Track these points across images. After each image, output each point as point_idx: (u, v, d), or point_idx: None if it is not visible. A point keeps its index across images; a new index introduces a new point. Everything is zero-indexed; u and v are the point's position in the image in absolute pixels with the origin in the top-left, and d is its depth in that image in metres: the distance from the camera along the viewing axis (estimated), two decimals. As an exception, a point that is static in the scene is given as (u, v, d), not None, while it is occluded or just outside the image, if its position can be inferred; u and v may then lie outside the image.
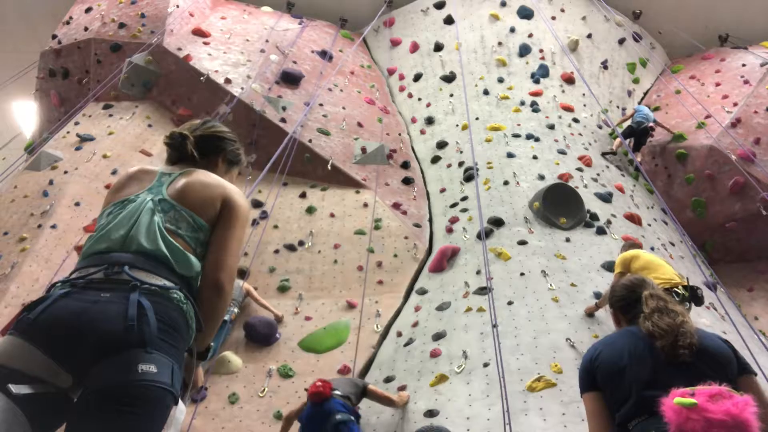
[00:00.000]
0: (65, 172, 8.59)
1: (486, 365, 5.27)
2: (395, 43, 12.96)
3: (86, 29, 11.24)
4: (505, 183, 8.36)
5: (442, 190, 9.19)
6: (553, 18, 11.99)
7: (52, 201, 8.01)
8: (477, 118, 10.14)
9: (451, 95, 11.05)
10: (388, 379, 5.88)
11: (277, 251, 8.13)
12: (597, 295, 5.95)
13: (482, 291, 6.35)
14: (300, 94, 10.52)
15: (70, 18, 11.93)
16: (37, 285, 6.74)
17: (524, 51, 11.47)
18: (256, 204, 8.78)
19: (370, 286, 7.48)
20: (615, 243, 7.15)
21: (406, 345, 6.29)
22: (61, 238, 7.52)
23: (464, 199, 8.57)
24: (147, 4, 11.26)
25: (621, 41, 12.56)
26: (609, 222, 7.60)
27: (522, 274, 6.46)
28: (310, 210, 8.81)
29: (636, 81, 12.46)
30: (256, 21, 12.38)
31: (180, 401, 1.72)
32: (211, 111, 9.53)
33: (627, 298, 2.44)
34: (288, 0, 13.67)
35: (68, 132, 9.66)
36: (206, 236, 1.94)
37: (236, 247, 1.95)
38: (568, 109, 10.54)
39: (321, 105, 10.49)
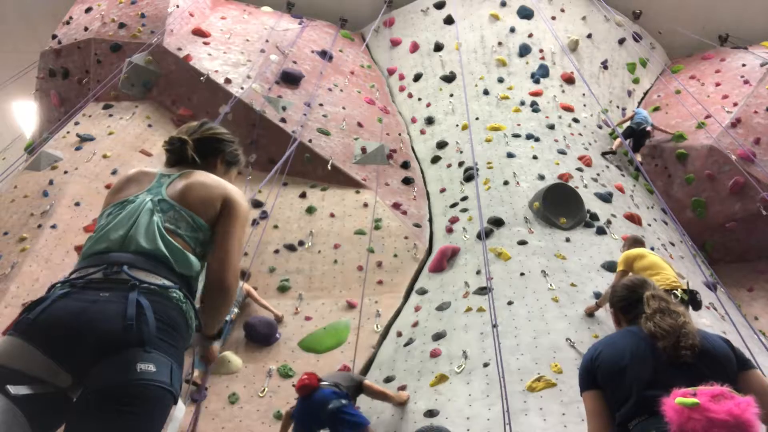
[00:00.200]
0: (65, 172, 8.59)
1: (486, 365, 5.27)
2: (395, 43, 12.96)
3: (86, 29, 11.24)
4: (505, 183, 8.36)
5: (442, 190, 9.19)
6: (553, 18, 12.00)
7: (52, 201, 8.01)
8: (477, 118, 10.14)
9: (451, 95, 11.05)
10: (388, 379, 5.88)
11: (277, 251, 8.13)
12: (597, 295, 5.95)
13: (482, 291, 6.35)
14: (300, 94, 10.52)
15: (70, 18, 11.93)
16: (37, 285, 6.74)
17: (524, 51, 11.47)
18: (256, 204, 8.77)
19: (370, 286, 7.47)
20: (615, 243, 7.15)
21: (406, 345, 6.29)
22: (61, 238, 7.52)
23: (464, 199, 8.57)
24: (147, 4, 11.26)
25: (621, 41, 12.56)
26: (609, 222, 7.60)
27: (522, 274, 6.46)
28: (310, 210, 8.81)
29: (636, 81, 12.46)
30: (256, 21, 12.38)
31: (179, 400, 1.72)
32: (211, 111, 9.52)
33: (628, 299, 2.44)
34: (288, 0, 13.67)
35: (68, 132, 9.66)
36: (206, 236, 1.95)
37: (238, 247, 1.98)
38: (568, 109, 10.54)
39: (321, 105, 10.49)
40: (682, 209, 9.76)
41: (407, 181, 9.52)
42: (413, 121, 11.24)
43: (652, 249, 7.08)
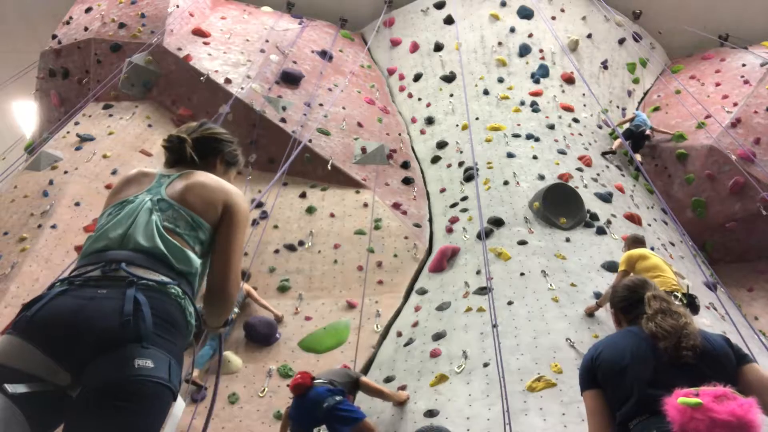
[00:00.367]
0: (65, 172, 8.59)
1: (486, 365, 5.27)
2: (395, 43, 12.96)
3: (86, 29, 11.24)
4: (505, 183, 8.36)
5: (442, 190, 9.19)
6: (553, 18, 11.99)
7: (52, 201, 8.01)
8: (477, 118, 10.14)
9: (451, 95, 11.05)
10: (388, 379, 5.88)
11: (277, 251, 8.13)
12: (597, 295, 5.95)
13: (482, 291, 6.35)
14: (300, 94, 10.52)
15: (70, 18, 11.93)
16: (37, 285, 6.74)
17: (524, 51, 11.47)
18: (256, 204, 8.77)
19: (370, 286, 7.47)
20: (615, 243, 7.15)
21: (406, 345, 6.29)
22: (61, 238, 7.52)
23: (464, 199, 8.57)
24: (147, 4, 11.26)
25: (621, 41, 12.56)
26: (609, 222, 7.60)
27: (522, 274, 6.46)
28: (310, 210, 8.81)
29: (636, 81, 12.46)
30: (256, 21, 12.38)
31: (179, 396, 1.72)
32: (211, 111, 9.53)
33: (629, 299, 2.43)
34: (288, 0, 13.67)
35: (68, 132, 9.66)
36: (206, 235, 1.95)
37: (240, 253, 2.02)
38: (568, 109, 10.54)
39: (321, 105, 10.50)
40: (682, 209, 9.76)
41: (407, 181, 9.52)
42: (413, 121, 11.24)
43: (652, 249, 7.08)
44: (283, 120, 9.73)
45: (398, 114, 11.60)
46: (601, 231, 7.34)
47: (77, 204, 8.05)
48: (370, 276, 7.60)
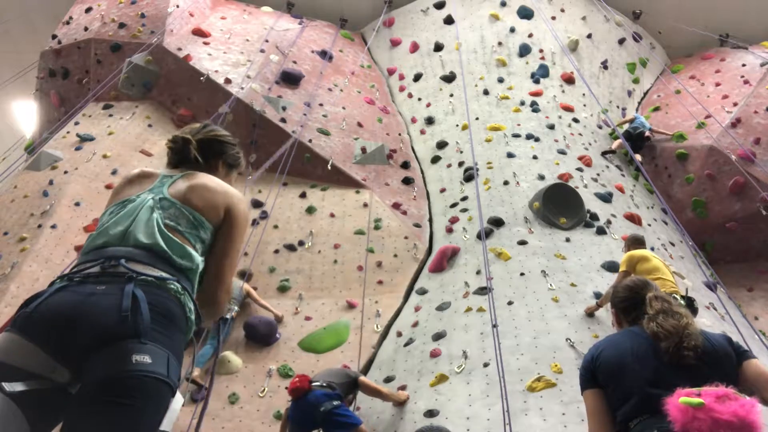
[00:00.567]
0: (65, 172, 8.59)
1: (486, 365, 5.27)
2: (395, 43, 12.96)
3: (86, 29, 11.24)
4: (505, 183, 8.36)
5: (442, 190, 9.19)
6: (553, 18, 11.99)
7: (52, 201, 8.01)
8: (477, 118, 10.14)
9: (451, 95, 11.05)
10: (388, 379, 5.88)
11: (277, 251, 8.13)
12: (597, 295, 5.95)
13: (482, 291, 6.35)
14: (300, 94, 10.51)
15: (70, 18, 11.93)
16: (37, 285, 6.74)
17: (524, 51, 11.47)
18: (256, 204, 8.78)
19: (370, 286, 7.47)
20: (615, 243, 7.15)
21: (406, 345, 6.29)
22: (61, 238, 7.52)
23: (464, 199, 8.57)
24: (147, 4, 11.26)
25: (621, 41, 12.56)
26: (609, 222, 7.60)
27: (522, 274, 6.47)
28: (310, 210, 8.81)
29: (636, 81, 12.46)
30: (256, 21, 12.38)
31: (177, 392, 1.72)
32: (211, 111, 9.52)
33: (630, 299, 2.43)
34: (288, 0, 13.67)
35: (68, 132, 9.66)
36: (207, 235, 1.96)
37: (236, 260, 2.04)
38: (568, 109, 10.54)
39: (321, 105, 10.49)
40: (682, 209, 9.76)
41: (407, 181, 9.52)
42: (413, 121, 11.24)
43: (652, 249, 7.09)
44: (283, 120, 9.73)
45: (398, 114, 11.59)
46: (601, 231, 7.34)
47: (77, 204, 8.05)
48: (370, 276, 7.60)
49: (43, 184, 8.42)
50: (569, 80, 11.19)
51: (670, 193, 10.03)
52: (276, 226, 8.50)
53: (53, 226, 7.59)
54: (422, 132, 10.84)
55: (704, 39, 12.69)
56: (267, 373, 6.43)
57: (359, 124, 10.43)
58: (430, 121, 10.89)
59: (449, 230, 8.13)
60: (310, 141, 9.52)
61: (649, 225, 8.25)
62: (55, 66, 11.40)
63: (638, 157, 9.70)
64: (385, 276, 7.68)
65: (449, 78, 11.42)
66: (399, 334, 6.62)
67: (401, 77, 12.29)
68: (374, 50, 13.45)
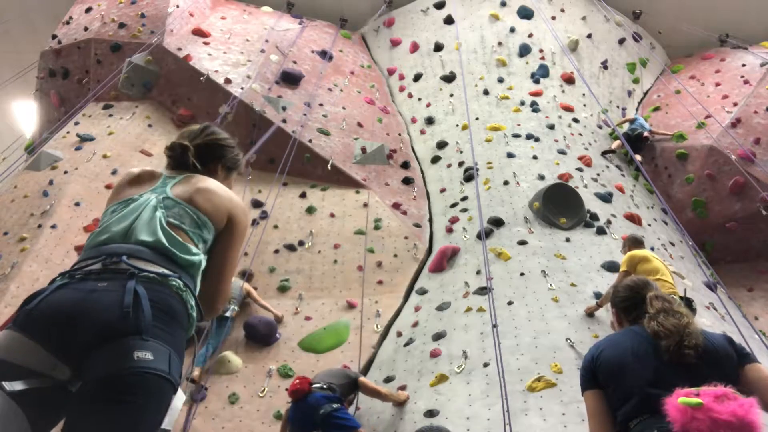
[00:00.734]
0: (65, 172, 8.59)
1: (486, 365, 5.27)
2: (395, 43, 12.96)
3: (86, 29, 11.24)
4: (505, 183, 8.36)
5: (442, 190, 9.19)
6: (553, 18, 11.99)
7: (52, 201, 8.01)
8: (477, 118, 10.14)
9: (451, 95, 11.05)
10: (388, 379, 5.88)
11: (277, 251, 8.13)
12: (597, 295, 5.95)
13: (482, 291, 6.35)
14: (300, 94, 10.51)
15: (70, 18, 11.93)
16: (37, 285, 6.74)
17: (524, 51, 11.47)
18: (256, 204, 8.78)
19: (370, 286, 7.47)
20: (615, 243, 7.15)
21: (406, 345, 6.29)
22: (61, 238, 7.52)
23: (464, 199, 8.57)
24: (147, 4, 11.26)
25: (621, 41, 12.56)
26: (609, 222, 7.60)
27: (522, 274, 6.46)
28: (310, 210, 8.81)
29: (636, 81, 12.46)
30: (256, 21, 12.39)
31: (179, 389, 1.72)
32: (211, 111, 9.53)
33: (631, 299, 2.43)
34: (288, 0, 13.67)
35: (68, 132, 9.66)
36: (210, 236, 1.97)
37: (234, 267, 2.09)
38: (568, 109, 10.54)
39: (321, 105, 10.49)
40: (682, 209, 9.77)
41: (407, 181, 9.52)
42: (413, 121, 11.24)
43: (652, 249, 7.09)
44: (283, 120, 9.73)
45: (398, 114, 11.59)
46: (601, 231, 7.34)
47: (77, 204, 8.05)
48: (370, 276, 7.60)
49: (43, 184, 8.42)
50: (569, 80, 11.19)
51: (670, 193, 10.04)
52: (276, 226, 8.50)
53: (53, 226, 7.59)
54: (422, 132, 10.84)
55: (704, 39, 12.69)
56: (267, 373, 6.43)
57: (359, 124, 10.43)
58: (430, 121, 10.89)
59: (449, 230, 8.13)
60: (310, 141, 9.52)
61: (649, 225, 8.25)
62: (55, 66, 11.40)
63: (638, 158, 9.70)
64: (385, 276, 7.68)
65: (449, 78, 11.42)
66: (399, 334, 6.62)
67: (401, 77, 12.29)
68: (374, 50, 13.46)
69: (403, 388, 5.57)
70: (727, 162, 9.49)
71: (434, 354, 5.79)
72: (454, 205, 8.62)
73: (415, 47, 12.46)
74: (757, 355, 4.48)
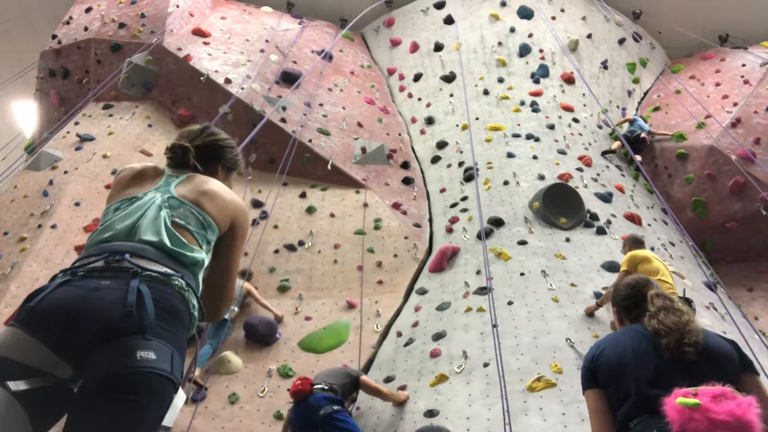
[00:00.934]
0: (65, 172, 8.59)
1: (486, 365, 5.27)
2: (395, 43, 12.96)
3: (86, 29, 11.24)
4: (505, 183, 8.36)
5: (442, 190, 9.19)
6: (553, 18, 11.99)
7: (52, 201, 8.01)
8: (477, 118, 10.14)
9: (451, 95, 11.05)
10: (388, 379, 5.88)
11: (277, 251, 8.13)
12: (597, 295, 5.95)
13: (482, 291, 6.35)
14: (300, 94, 10.51)
15: (70, 18, 11.94)
16: (37, 285, 6.71)
17: (524, 51, 11.48)
18: (256, 204, 8.78)
19: (370, 286, 7.48)
20: (615, 243, 7.15)
21: (406, 345, 6.29)
22: (61, 238, 7.52)
23: (464, 199, 8.57)
24: (147, 4, 11.26)
25: (621, 41, 12.56)
26: (609, 222, 7.60)
27: (522, 274, 6.47)
28: (310, 210, 8.81)
29: (636, 81, 12.46)
30: (256, 21, 12.39)
31: (180, 389, 1.72)
32: (211, 111, 9.52)
33: (631, 297, 2.42)
34: (288, 0, 13.67)
35: (68, 132, 9.66)
36: (214, 237, 1.99)
37: (237, 269, 2.13)
38: (568, 109, 10.54)
39: (321, 105, 10.49)
40: (682, 209, 9.76)
41: (407, 181, 9.52)
42: (413, 121, 11.25)
43: (652, 249, 7.09)
44: (283, 120, 9.73)
45: (398, 114, 11.60)
46: (601, 231, 7.34)
47: (77, 204, 8.05)
48: (370, 276, 7.60)
49: (43, 184, 8.42)
50: (569, 80, 11.19)
51: (670, 193, 10.04)
52: (276, 226, 8.50)
53: (53, 226, 7.60)
54: (422, 132, 10.84)
55: (704, 39, 12.69)
56: (267, 373, 6.43)
57: (359, 124, 10.43)
58: (430, 121, 10.89)
59: (449, 230, 8.13)
60: (310, 141, 9.52)
61: (649, 225, 8.25)
62: (55, 66, 11.40)
63: (638, 158, 9.70)
64: (385, 276, 7.68)
65: (449, 78, 11.42)
66: (399, 334, 6.62)
67: (401, 77, 12.29)
68: (374, 50, 13.46)
69: (403, 388, 5.57)
70: (727, 162, 9.49)
71: (434, 354, 5.79)
72: (454, 205, 8.62)
73: (415, 47, 12.46)
74: (757, 354, 4.49)
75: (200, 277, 1.93)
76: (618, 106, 11.73)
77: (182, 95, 10.35)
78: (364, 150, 9.75)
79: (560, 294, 6.03)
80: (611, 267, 6.54)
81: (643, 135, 10.30)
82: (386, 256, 7.94)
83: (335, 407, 4.79)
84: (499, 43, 11.64)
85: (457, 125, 10.34)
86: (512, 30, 11.82)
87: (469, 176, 8.87)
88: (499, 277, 6.46)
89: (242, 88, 9.89)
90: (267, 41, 11.45)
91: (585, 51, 11.88)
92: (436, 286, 7.12)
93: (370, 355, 6.58)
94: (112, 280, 1.66)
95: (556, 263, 6.59)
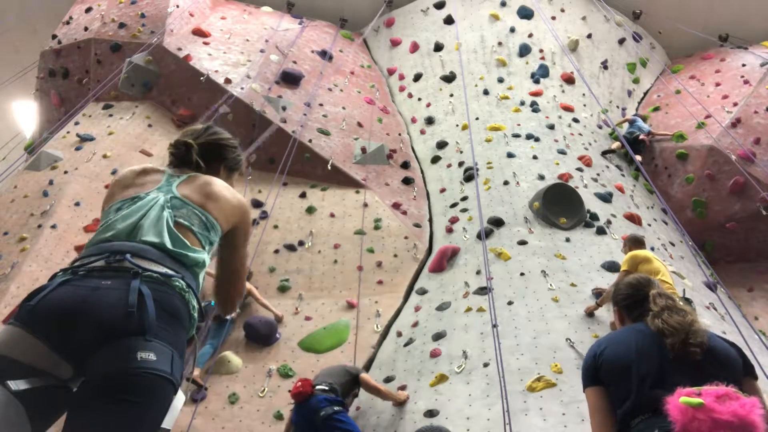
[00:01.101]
0: (65, 172, 8.59)
1: (486, 365, 5.27)
2: (395, 43, 12.96)
3: (86, 29, 11.24)
4: (505, 183, 8.36)
5: (442, 190, 9.19)
6: (553, 18, 12.00)
7: (52, 201, 8.01)
8: (477, 118, 10.14)
9: (451, 95, 11.05)
10: (388, 379, 5.87)
11: (277, 251, 8.13)
12: (597, 295, 5.95)
13: (482, 291, 6.35)
14: (300, 94, 10.51)
15: (70, 18, 11.94)
16: (37, 285, 6.66)
17: (524, 51, 11.48)
18: (256, 204, 8.78)
19: (370, 286, 7.48)
20: (615, 243, 7.15)
21: (406, 345, 6.29)
22: (61, 238, 7.52)
23: (464, 199, 8.57)
24: (147, 4, 11.26)
25: (621, 41, 12.56)
26: (609, 222, 7.60)
27: (522, 274, 6.46)
28: (310, 210, 8.81)
29: (636, 81, 12.46)
30: (256, 21, 12.39)
31: (179, 390, 1.72)
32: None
33: (633, 296, 2.41)
34: (288, 0, 13.67)
35: (68, 132, 9.66)
36: (216, 237, 1.99)
37: (246, 262, 2.22)
38: (568, 109, 10.54)
39: (321, 105, 10.49)
40: (682, 209, 9.76)
41: (407, 181, 9.51)
42: (413, 121, 11.25)
43: (652, 249, 7.09)
44: (283, 120, 9.73)
45: (398, 114, 11.60)
46: (601, 231, 7.34)
47: (77, 204, 8.05)
48: (370, 276, 7.60)
49: (43, 184, 8.42)
50: (569, 80, 11.19)
51: (670, 193, 10.03)
52: (276, 226, 8.50)
53: (53, 226, 7.59)
54: (422, 132, 10.84)
55: (704, 39, 12.69)
56: (267, 373, 6.43)
57: (359, 124, 10.43)
58: (430, 121, 10.89)
59: (449, 230, 8.13)
60: (310, 141, 9.52)
61: (649, 225, 8.25)
62: (55, 66, 11.40)
63: (638, 158, 9.70)
64: (385, 276, 7.68)
65: (449, 78, 11.42)
66: (399, 334, 6.62)
67: (401, 77, 12.29)
68: (374, 50, 13.46)
69: (403, 388, 5.57)
70: (727, 162, 9.48)
71: (434, 354, 5.79)
72: (454, 205, 8.62)
73: (415, 47, 12.46)
74: (757, 355, 4.49)
75: (201, 277, 1.93)
76: (618, 106, 11.73)
77: (182, 95, 10.35)
78: (364, 150, 9.74)
79: (560, 294, 6.03)
80: (611, 267, 6.54)
81: (642, 136, 10.30)
82: (386, 256, 7.94)
83: (336, 408, 4.82)
84: (499, 43, 11.64)
85: (457, 125, 10.34)
86: (512, 30, 11.82)
87: (469, 176, 8.86)
88: (499, 277, 6.46)
89: (242, 88, 9.89)
90: (267, 41, 11.45)
91: (585, 51, 11.88)
92: (436, 286, 7.12)
93: (370, 355, 6.57)
94: (112, 280, 1.66)
95: (556, 263, 6.59)
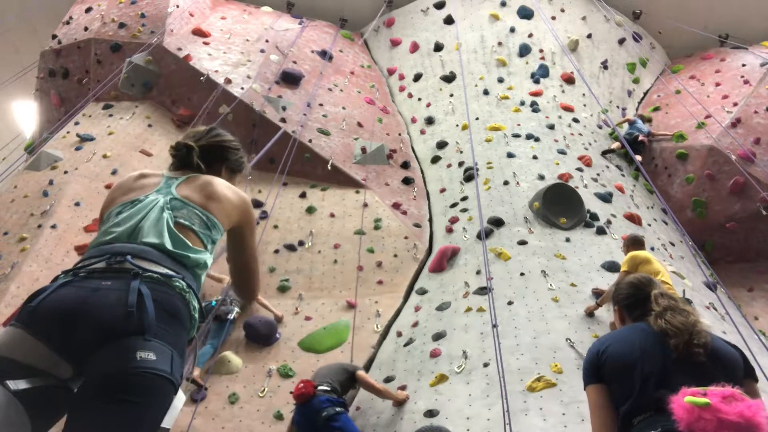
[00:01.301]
0: (65, 172, 8.59)
1: (486, 365, 5.27)
2: (395, 43, 12.96)
3: (86, 29, 11.24)
4: (505, 183, 8.36)
5: (442, 190, 9.19)
6: (553, 18, 12.00)
7: (52, 201, 8.01)
8: (477, 118, 10.14)
9: (451, 95, 11.05)
10: (388, 379, 5.87)
11: (277, 251, 8.13)
12: (597, 295, 5.95)
13: (482, 291, 6.35)
14: (300, 94, 10.52)
15: (70, 18, 11.94)
16: (37, 285, 6.73)
17: (524, 51, 11.48)
18: (256, 204, 8.77)
19: (370, 286, 7.48)
20: (615, 243, 7.15)
21: (406, 345, 6.29)
22: (61, 238, 7.52)
23: (464, 199, 8.57)
24: (147, 4, 11.26)
25: (621, 41, 12.56)
26: (609, 222, 7.60)
27: (522, 274, 6.46)
28: (310, 210, 8.81)
29: (636, 81, 12.46)
30: (256, 21, 12.39)
31: (179, 390, 1.72)
32: (211, 111, 9.52)
33: (634, 296, 2.40)
34: (288, 0, 13.67)
35: (68, 132, 9.66)
36: (218, 236, 2.00)
37: (257, 250, 2.30)
38: (568, 109, 10.54)
39: (321, 105, 10.49)
40: (682, 209, 9.76)
41: (407, 181, 9.52)
42: (413, 121, 11.25)
43: (652, 249, 7.09)
44: (283, 120, 9.73)
45: (398, 114, 11.60)
46: (601, 231, 7.34)
47: (77, 204, 8.05)
48: (370, 276, 7.60)
49: (43, 184, 8.42)
50: (569, 80, 11.19)
51: (670, 193, 10.03)
52: (276, 226, 8.50)
53: (53, 226, 7.59)
54: (422, 132, 10.84)
55: (704, 39, 12.69)
56: (267, 373, 6.43)
57: (359, 124, 10.43)
58: (430, 121, 10.90)
59: (449, 230, 8.13)
60: (310, 141, 9.52)
61: (649, 225, 8.25)
62: (55, 66, 11.40)
63: (638, 158, 9.70)
64: (385, 276, 7.68)
65: (449, 78, 11.42)
66: (399, 334, 6.62)
67: (401, 77, 12.29)
68: (374, 50, 13.46)
69: (403, 388, 5.57)
70: (727, 162, 9.48)
71: (434, 354, 5.79)
72: (454, 205, 8.62)
73: (415, 47, 12.46)
74: (757, 355, 4.48)
75: (202, 278, 1.94)
76: (618, 106, 11.72)
77: (182, 95, 10.35)
78: (364, 150, 9.75)
79: (560, 294, 6.03)
80: (611, 267, 6.54)
81: (641, 137, 10.29)
82: (386, 256, 7.94)
83: (337, 409, 4.86)
84: (499, 43, 11.64)
85: (457, 125, 10.34)
86: (512, 30, 11.82)
87: (469, 176, 8.87)
88: (499, 277, 6.46)
89: (242, 88, 9.89)
90: (267, 41, 11.45)
91: (585, 51, 11.88)
92: (436, 286, 7.12)
93: (370, 355, 6.58)
94: (112, 280, 1.67)
95: (556, 263, 6.59)
